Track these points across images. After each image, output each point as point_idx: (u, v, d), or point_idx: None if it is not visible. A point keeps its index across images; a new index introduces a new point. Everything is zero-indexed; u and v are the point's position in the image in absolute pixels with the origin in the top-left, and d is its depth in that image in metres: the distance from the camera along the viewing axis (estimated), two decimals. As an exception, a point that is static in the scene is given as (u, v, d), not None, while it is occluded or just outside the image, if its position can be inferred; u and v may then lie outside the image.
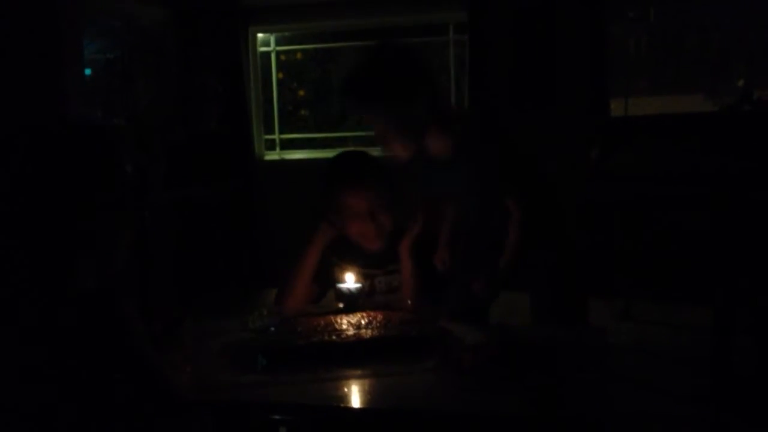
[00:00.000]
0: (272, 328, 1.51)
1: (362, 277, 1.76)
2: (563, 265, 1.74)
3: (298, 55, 5.36)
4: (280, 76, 4.82)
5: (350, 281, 1.69)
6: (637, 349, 3.12)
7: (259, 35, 4.62)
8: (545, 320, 1.77)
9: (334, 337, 1.44)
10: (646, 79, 5.70)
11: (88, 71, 4.50)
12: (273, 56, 4.66)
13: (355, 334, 1.45)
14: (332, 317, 1.55)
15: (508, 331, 1.51)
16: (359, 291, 1.68)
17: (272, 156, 4.72)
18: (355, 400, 1.27)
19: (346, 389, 1.30)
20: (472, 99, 4.11)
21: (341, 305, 1.68)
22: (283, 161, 4.65)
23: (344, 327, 1.50)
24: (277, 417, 1.31)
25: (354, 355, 1.39)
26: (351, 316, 1.56)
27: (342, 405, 1.25)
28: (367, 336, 1.43)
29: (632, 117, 3.89)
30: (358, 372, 1.34)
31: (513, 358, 1.33)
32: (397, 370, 1.33)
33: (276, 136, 4.76)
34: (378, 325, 1.50)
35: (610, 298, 3.58)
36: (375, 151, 1.80)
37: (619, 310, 3.56)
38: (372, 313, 1.55)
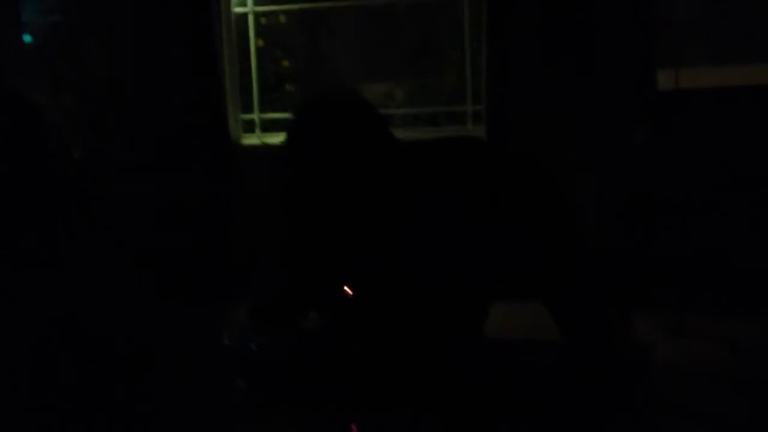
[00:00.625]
0: (253, 347, 1.54)
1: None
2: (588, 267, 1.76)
3: (282, 18, 5.37)
4: (260, 43, 4.83)
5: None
6: (688, 370, 3.14)
7: (234, -7, 4.69)
8: (572, 335, 1.80)
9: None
10: (701, 45, 5.70)
11: (27, 38, 4.51)
12: (251, 19, 4.68)
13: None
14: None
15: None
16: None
17: (251, 140, 4.76)
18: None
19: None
20: (489, 68, 4.12)
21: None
22: (264, 147, 4.69)
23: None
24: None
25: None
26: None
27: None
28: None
29: (685, 90, 3.89)
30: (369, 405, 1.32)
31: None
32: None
33: (256, 116, 4.79)
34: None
35: (655, 309, 3.59)
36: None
37: (668, 323, 3.58)
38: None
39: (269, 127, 4.90)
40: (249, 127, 4.81)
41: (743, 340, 3.39)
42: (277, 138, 4.78)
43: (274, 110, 5.07)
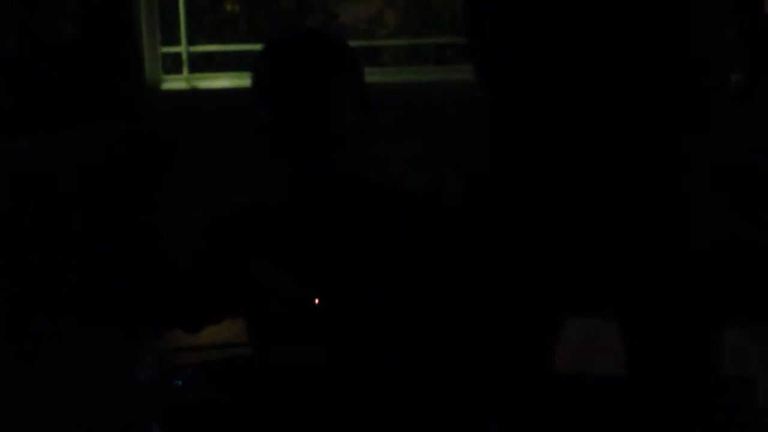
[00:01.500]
0: (178, 382, 1.56)
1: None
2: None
3: None
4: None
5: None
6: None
7: None
8: (644, 363, 1.90)
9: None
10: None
11: None
12: None
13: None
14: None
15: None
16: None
17: (176, 83, 4.74)
18: None
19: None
20: None
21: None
22: (195, 93, 4.68)
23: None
24: None
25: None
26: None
27: None
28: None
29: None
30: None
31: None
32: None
33: (182, 49, 4.76)
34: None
35: (754, 324, 3.60)
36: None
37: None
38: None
39: (201, 65, 4.87)
40: (173, 65, 4.76)
41: None
42: (212, 81, 4.76)
43: (209, 41, 5.02)
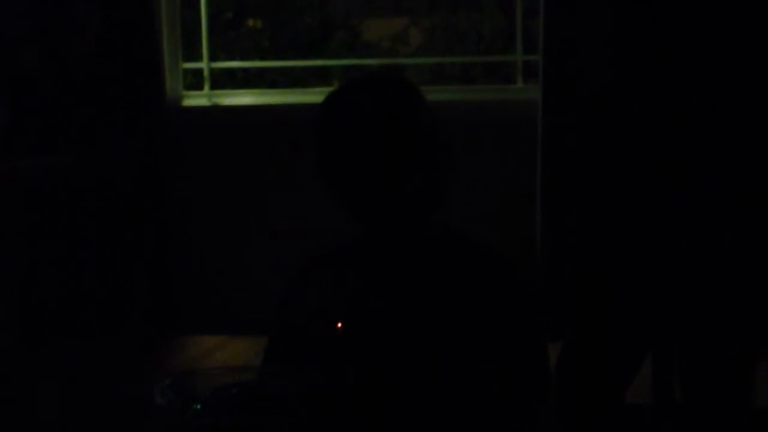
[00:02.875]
0: (197, 406, 1.54)
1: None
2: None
3: None
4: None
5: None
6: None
7: None
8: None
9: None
10: None
11: None
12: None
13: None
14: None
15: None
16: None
17: (198, 100, 4.72)
18: None
19: None
20: (548, 3, 4.12)
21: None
22: (216, 109, 4.66)
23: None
24: None
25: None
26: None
27: None
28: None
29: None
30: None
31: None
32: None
33: (204, 65, 4.75)
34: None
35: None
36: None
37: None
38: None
39: (223, 81, 4.87)
40: (195, 81, 4.74)
41: None
42: (235, 98, 4.73)
43: (231, 56, 5.03)
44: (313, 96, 4.47)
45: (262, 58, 5.30)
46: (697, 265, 2.05)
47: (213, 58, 4.78)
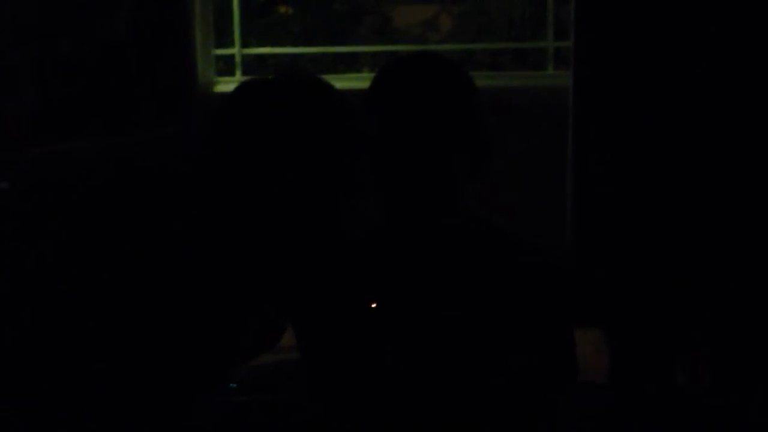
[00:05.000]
0: (233, 385, 1.63)
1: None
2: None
3: None
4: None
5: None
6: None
7: None
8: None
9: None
10: None
11: None
12: None
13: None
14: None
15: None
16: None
17: (229, 86, 4.68)
18: None
19: None
20: (579, 34, 4.12)
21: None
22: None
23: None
24: None
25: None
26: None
27: None
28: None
29: None
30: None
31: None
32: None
33: (236, 51, 4.77)
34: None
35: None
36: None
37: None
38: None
39: (255, 67, 4.84)
40: (226, 67, 4.75)
41: None
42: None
43: (263, 43, 5.04)
44: (343, 82, 4.43)
45: (293, 44, 5.31)
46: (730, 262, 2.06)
47: (245, 44, 4.79)
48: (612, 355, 2.60)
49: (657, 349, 2.59)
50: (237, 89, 1.71)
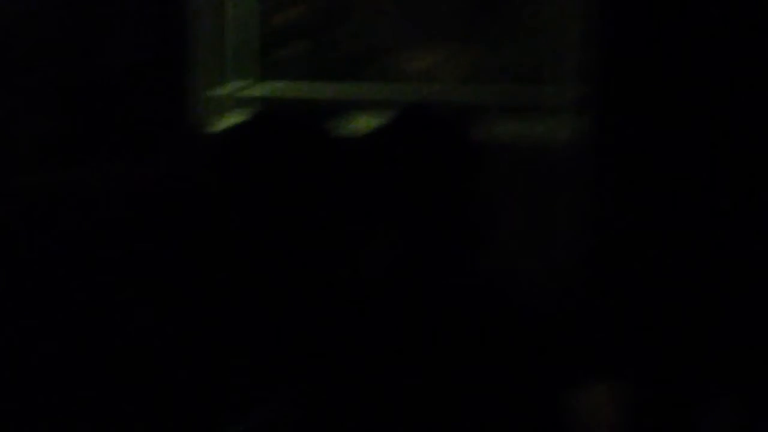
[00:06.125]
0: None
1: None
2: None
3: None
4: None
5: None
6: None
7: None
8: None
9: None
10: None
11: None
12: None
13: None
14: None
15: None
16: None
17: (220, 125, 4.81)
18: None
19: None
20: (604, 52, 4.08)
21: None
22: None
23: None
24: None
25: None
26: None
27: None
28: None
29: None
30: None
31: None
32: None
33: (227, 91, 4.90)
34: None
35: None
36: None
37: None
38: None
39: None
40: (233, 106, 4.84)
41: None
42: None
43: (273, 76, 5.08)
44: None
45: (309, 78, 5.29)
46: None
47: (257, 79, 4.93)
48: (628, 410, 2.60)
49: (676, 401, 2.59)
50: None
